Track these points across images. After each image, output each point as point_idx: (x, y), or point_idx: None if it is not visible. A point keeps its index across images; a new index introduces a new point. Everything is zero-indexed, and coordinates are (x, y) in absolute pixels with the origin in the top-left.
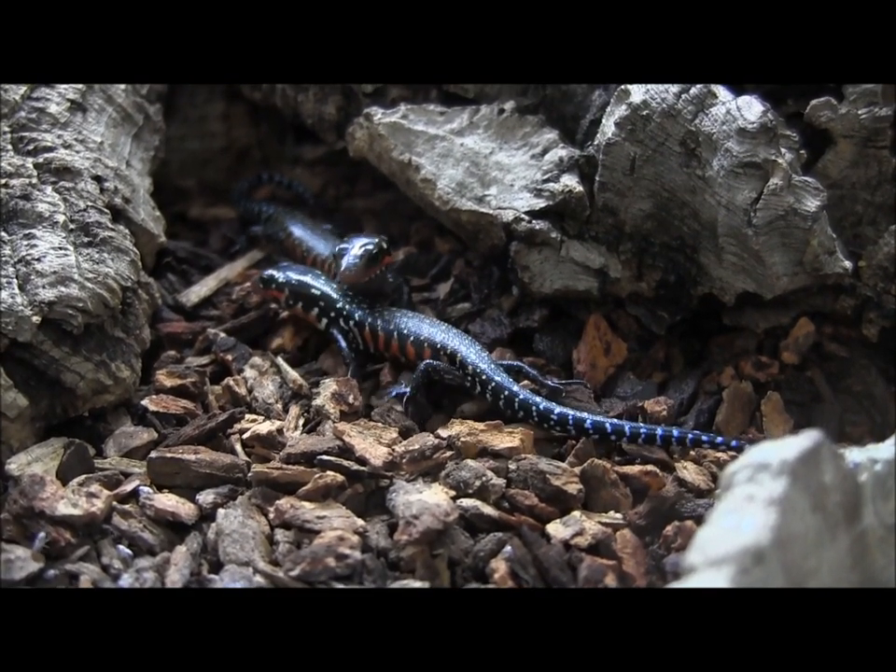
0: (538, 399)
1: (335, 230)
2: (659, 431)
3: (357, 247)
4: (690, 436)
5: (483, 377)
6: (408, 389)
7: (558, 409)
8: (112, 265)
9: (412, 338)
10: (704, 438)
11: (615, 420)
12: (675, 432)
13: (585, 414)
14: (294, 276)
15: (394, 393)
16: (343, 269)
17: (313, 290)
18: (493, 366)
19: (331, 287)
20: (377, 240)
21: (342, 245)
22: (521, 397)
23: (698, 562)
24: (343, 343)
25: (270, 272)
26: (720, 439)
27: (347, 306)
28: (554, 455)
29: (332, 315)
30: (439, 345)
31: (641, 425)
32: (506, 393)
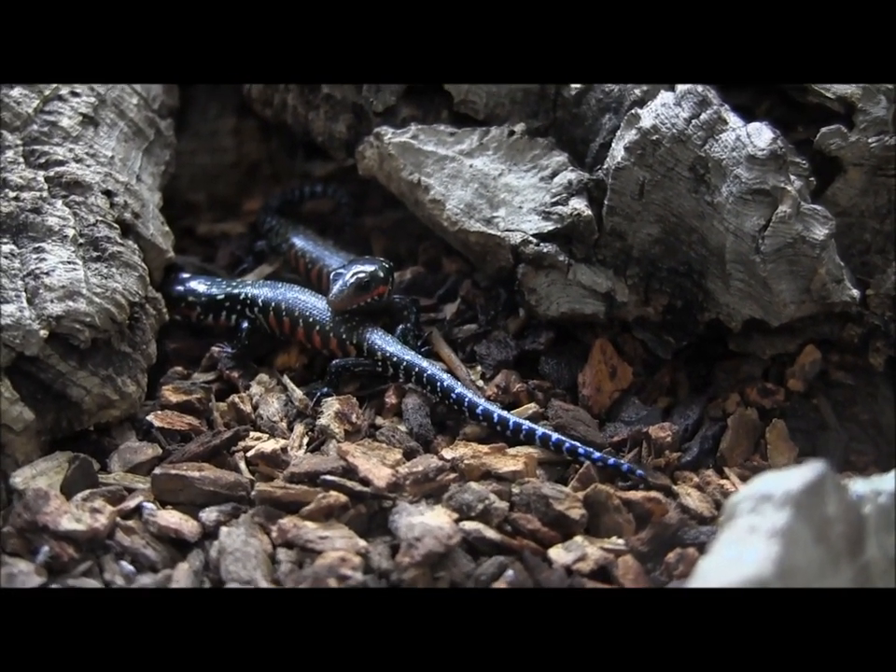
0: (444, 375)
1: (338, 244)
2: (535, 429)
3: (350, 274)
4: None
5: (395, 359)
6: (326, 389)
7: (458, 389)
8: (120, 280)
9: (317, 327)
10: (579, 449)
11: (505, 413)
12: (553, 437)
13: (470, 394)
14: (200, 291)
15: (318, 394)
16: (330, 295)
17: (218, 297)
18: (402, 347)
19: (232, 283)
20: (375, 267)
21: (339, 270)
22: (428, 372)
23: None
24: (245, 325)
25: (177, 289)
26: (582, 450)
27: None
28: (558, 480)
29: (238, 307)
30: (344, 336)
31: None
32: (416, 370)
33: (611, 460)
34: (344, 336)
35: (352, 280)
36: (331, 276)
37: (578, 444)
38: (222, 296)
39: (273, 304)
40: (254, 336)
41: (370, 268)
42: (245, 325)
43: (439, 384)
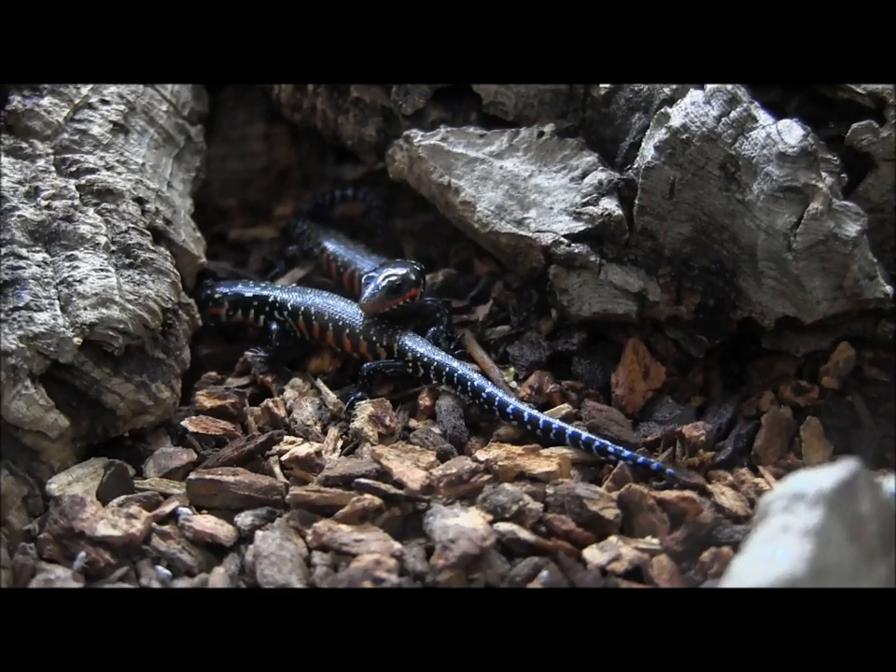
0: (474, 375)
1: (369, 247)
2: (569, 431)
3: (381, 277)
4: (597, 443)
5: (425, 359)
6: (359, 393)
7: (489, 389)
8: (153, 287)
9: (347, 331)
10: (610, 448)
11: (535, 412)
12: (583, 435)
13: (500, 393)
14: (227, 289)
15: (351, 398)
16: (362, 299)
17: (246, 294)
18: (432, 347)
19: (261, 285)
20: (406, 270)
21: (370, 273)
22: (459, 372)
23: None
24: (275, 326)
25: (206, 292)
26: (612, 448)
27: (279, 296)
28: (592, 480)
29: (267, 309)
30: (374, 337)
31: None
32: (446, 370)
33: (641, 459)
34: (374, 339)
35: (383, 283)
36: (363, 280)
37: (608, 443)
38: (251, 294)
39: (301, 308)
40: (286, 339)
41: (401, 271)
42: (275, 326)
43: (469, 383)
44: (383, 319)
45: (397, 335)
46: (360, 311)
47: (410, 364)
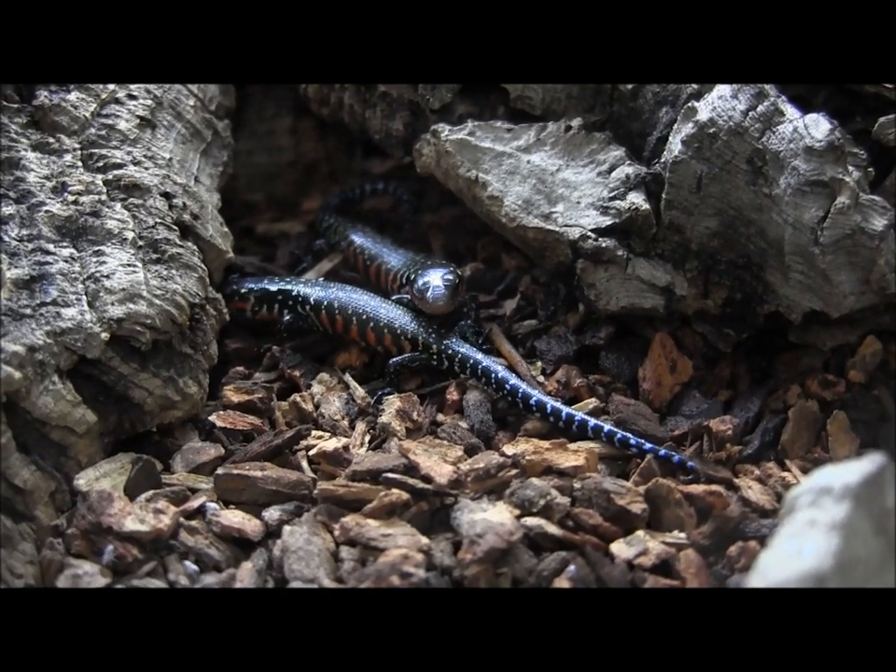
0: (498, 367)
1: (397, 241)
2: (591, 423)
3: (437, 278)
4: (618, 435)
5: (449, 352)
6: (387, 389)
7: (512, 381)
8: (180, 282)
9: (371, 324)
10: (632, 441)
11: (558, 404)
12: (605, 428)
13: (523, 384)
14: (253, 284)
15: (379, 393)
16: (431, 301)
17: (271, 289)
18: (457, 339)
19: (286, 280)
20: (452, 268)
21: (415, 278)
22: (483, 364)
23: (759, 587)
24: (287, 318)
25: (232, 287)
26: (634, 441)
27: (303, 291)
28: (619, 475)
29: (290, 304)
30: (398, 330)
31: (572, 411)
32: (471, 362)
33: (663, 451)
34: (398, 332)
35: (446, 283)
36: (413, 285)
37: (629, 435)
38: (275, 289)
39: (325, 303)
40: (298, 324)
41: (447, 270)
42: (287, 317)
43: (493, 375)
44: (406, 312)
45: (421, 328)
46: (430, 312)
47: (435, 357)
